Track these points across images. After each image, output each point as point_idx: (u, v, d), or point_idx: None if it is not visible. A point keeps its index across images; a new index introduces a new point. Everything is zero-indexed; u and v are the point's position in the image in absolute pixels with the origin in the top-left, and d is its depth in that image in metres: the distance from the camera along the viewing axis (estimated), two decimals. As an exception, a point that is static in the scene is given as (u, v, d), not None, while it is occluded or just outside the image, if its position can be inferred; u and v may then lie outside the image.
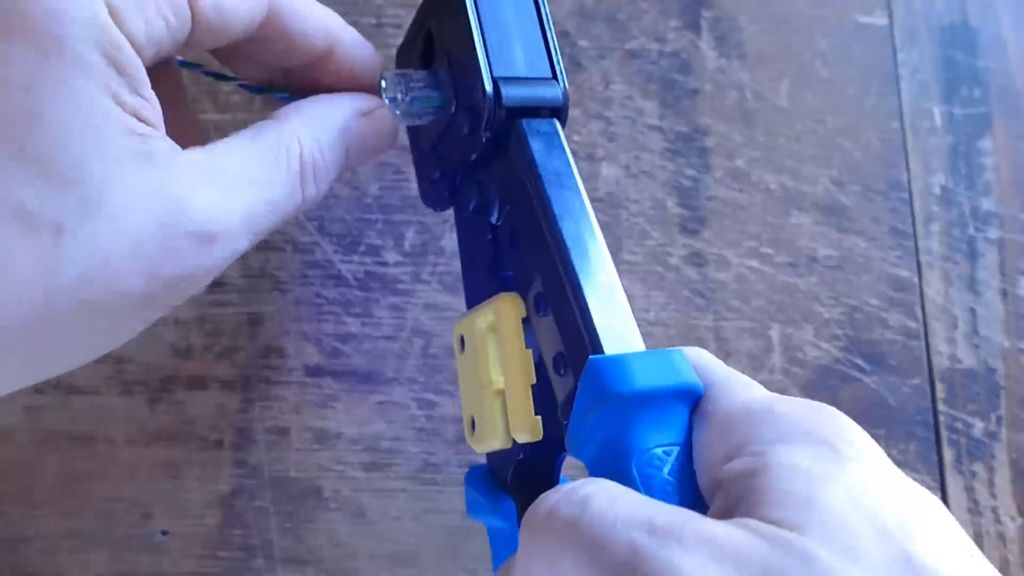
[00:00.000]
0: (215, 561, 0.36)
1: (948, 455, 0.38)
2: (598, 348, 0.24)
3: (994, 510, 0.38)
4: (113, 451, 0.37)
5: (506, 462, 0.28)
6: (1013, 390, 0.39)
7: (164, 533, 0.36)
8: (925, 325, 0.39)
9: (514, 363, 0.26)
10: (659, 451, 0.22)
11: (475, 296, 0.30)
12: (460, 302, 0.38)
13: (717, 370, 0.24)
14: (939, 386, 0.39)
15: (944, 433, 0.38)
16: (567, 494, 0.21)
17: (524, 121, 0.28)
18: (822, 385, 0.38)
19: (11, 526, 0.36)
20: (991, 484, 0.38)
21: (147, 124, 0.24)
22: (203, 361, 0.37)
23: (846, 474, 0.20)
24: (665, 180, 0.40)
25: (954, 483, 0.38)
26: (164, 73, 0.29)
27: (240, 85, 0.31)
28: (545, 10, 0.30)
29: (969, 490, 0.38)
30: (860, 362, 0.39)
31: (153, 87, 0.24)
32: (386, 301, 0.38)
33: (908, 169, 0.41)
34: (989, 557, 0.37)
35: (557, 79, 0.29)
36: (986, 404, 0.39)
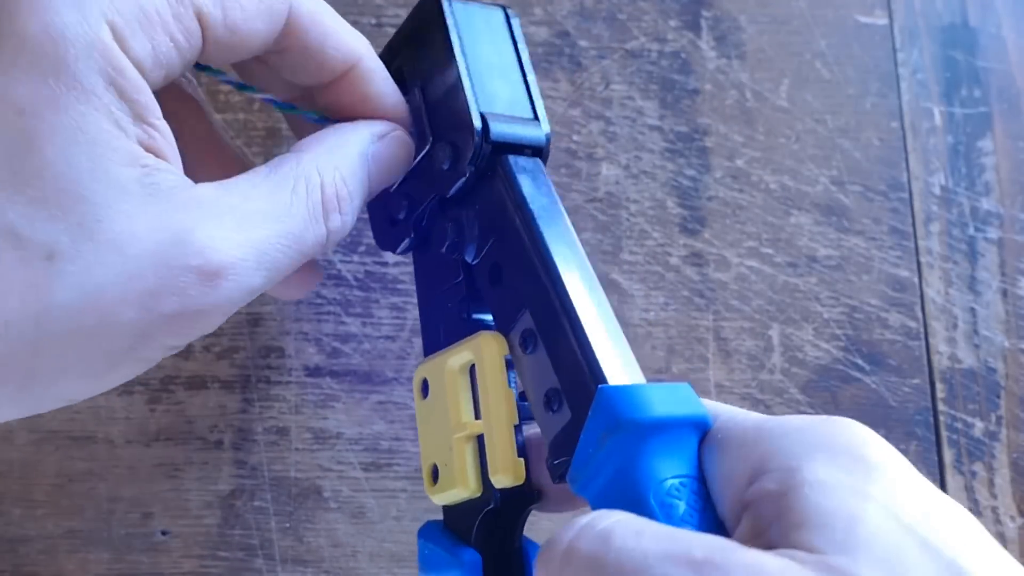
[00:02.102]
0: (215, 561, 0.36)
1: (948, 455, 0.38)
2: (602, 379, 0.23)
3: (994, 510, 0.38)
4: (113, 451, 0.37)
5: (471, 513, 0.27)
6: (1013, 390, 0.39)
7: (164, 533, 0.36)
8: (925, 325, 0.39)
9: (498, 403, 0.26)
10: (675, 482, 0.22)
11: (437, 340, 0.29)
12: (460, 302, 0.38)
13: (717, 404, 0.24)
14: (939, 386, 0.39)
15: (944, 433, 0.38)
16: (584, 528, 0.20)
17: (510, 156, 0.27)
18: (822, 385, 0.38)
19: (11, 526, 0.36)
20: (991, 484, 0.38)
21: (155, 154, 0.23)
22: (203, 361, 0.37)
23: (879, 487, 0.20)
24: (665, 180, 0.40)
25: (954, 483, 0.38)
26: (180, 97, 0.28)
27: (266, 99, 0.30)
28: (524, 52, 0.29)
29: (969, 490, 0.38)
30: (860, 362, 0.39)
31: (169, 111, 0.24)
32: (386, 301, 0.38)
33: (908, 169, 0.41)
34: (989, 557, 0.37)
35: (539, 120, 0.29)
36: (986, 404, 0.39)
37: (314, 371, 0.37)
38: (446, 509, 0.29)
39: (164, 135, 0.23)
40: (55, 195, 0.21)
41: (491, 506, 0.27)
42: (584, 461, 0.23)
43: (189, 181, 0.23)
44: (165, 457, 0.37)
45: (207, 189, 0.24)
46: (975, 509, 0.38)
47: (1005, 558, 0.19)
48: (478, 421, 0.27)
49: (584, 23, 0.41)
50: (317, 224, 0.25)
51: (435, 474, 0.28)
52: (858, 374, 0.39)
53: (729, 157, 0.40)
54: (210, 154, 0.29)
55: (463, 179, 0.28)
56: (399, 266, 0.38)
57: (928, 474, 0.38)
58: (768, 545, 0.19)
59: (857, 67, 0.42)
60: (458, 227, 0.28)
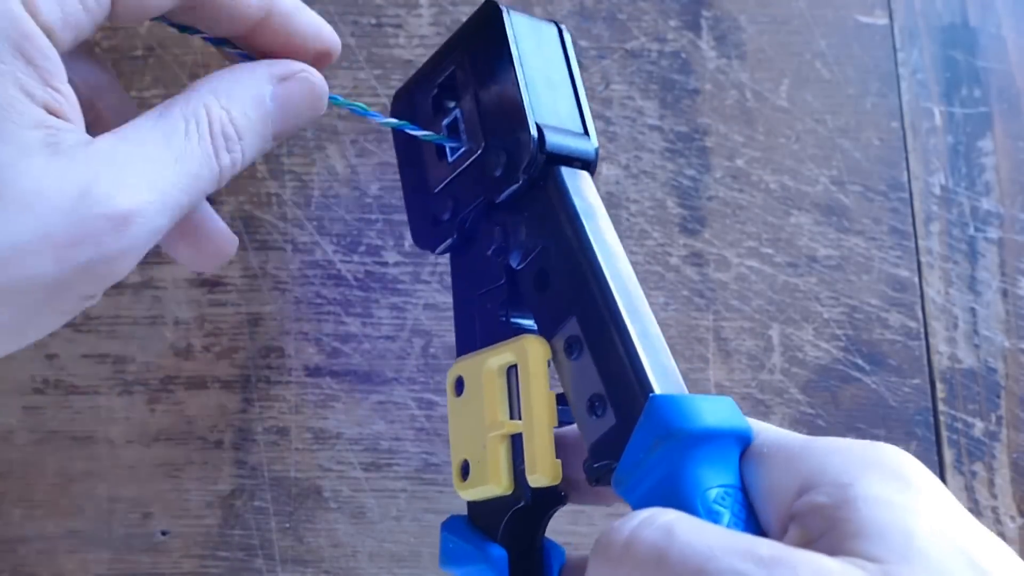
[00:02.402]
0: (215, 561, 0.36)
1: (948, 455, 0.38)
2: (649, 388, 0.24)
3: (994, 510, 0.38)
4: (113, 451, 0.37)
5: (500, 510, 0.28)
6: (1013, 390, 0.39)
7: (164, 533, 0.36)
8: (925, 325, 0.39)
9: (541, 405, 0.26)
10: (720, 491, 0.23)
11: (472, 340, 0.30)
12: (460, 302, 0.38)
13: (756, 421, 0.25)
14: (939, 386, 0.39)
15: (944, 433, 0.38)
16: (646, 520, 0.20)
17: (562, 168, 0.28)
18: (822, 385, 0.38)
19: (11, 526, 0.36)
20: (991, 484, 0.38)
21: (58, 116, 0.24)
22: (203, 361, 0.37)
23: (928, 507, 0.20)
24: (665, 180, 0.40)
25: (954, 483, 0.38)
26: (87, 54, 0.28)
27: (205, 39, 0.30)
28: (575, 67, 0.30)
29: (969, 490, 0.38)
30: (860, 362, 0.39)
31: (75, 71, 0.24)
32: (386, 301, 0.38)
33: (908, 169, 0.41)
34: (989, 557, 0.37)
35: (588, 135, 0.29)
36: (986, 404, 0.39)
37: (314, 371, 0.37)
38: (471, 505, 0.29)
39: (68, 98, 0.24)
40: None
41: (521, 504, 0.27)
42: (632, 466, 0.23)
43: (88, 137, 0.24)
44: (165, 457, 0.37)
45: (105, 141, 0.24)
46: (975, 509, 0.38)
47: None
48: (514, 421, 0.27)
49: (584, 23, 0.41)
50: (210, 163, 0.26)
51: (464, 470, 0.28)
52: (858, 374, 0.39)
53: (729, 157, 0.40)
54: (119, 108, 0.29)
55: (515, 186, 0.28)
56: (399, 266, 0.38)
57: (928, 474, 0.38)
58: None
59: (857, 67, 0.42)
60: (505, 232, 0.29)
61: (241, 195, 0.39)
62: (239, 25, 0.28)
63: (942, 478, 0.38)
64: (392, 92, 0.41)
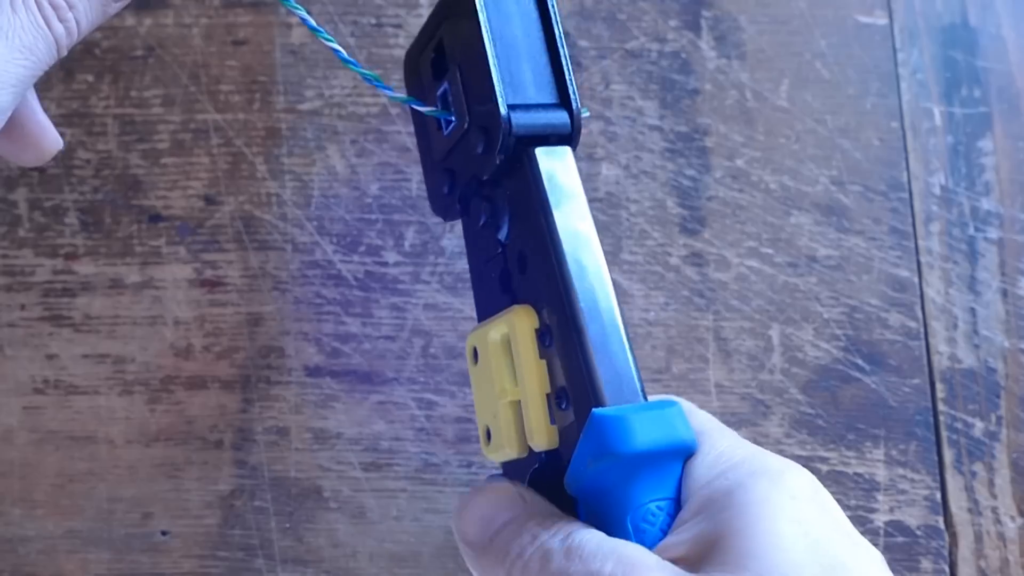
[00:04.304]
0: (215, 561, 0.36)
1: (948, 455, 0.38)
2: (598, 400, 0.24)
3: (994, 510, 0.38)
4: (113, 451, 0.37)
5: (522, 470, 0.28)
6: (1013, 390, 0.39)
7: (164, 533, 0.36)
8: (925, 325, 0.39)
9: (530, 374, 0.27)
10: (653, 506, 0.24)
11: (486, 307, 0.30)
12: (460, 302, 0.38)
13: (705, 421, 0.27)
14: (939, 386, 0.39)
15: (944, 433, 0.38)
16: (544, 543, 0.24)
17: (537, 150, 0.28)
18: (822, 385, 0.38)
19: (11, 526, 0.36)
20: (991, 484, 0.38)
21: None
22: (203, 361, 0.37)
23: (794, 510, 0.23)
24: (665, 180, 0.40)
25: (954, 483, 0.38)
26: None
27: None
28: (558, 28, 0.29)
29: (969, 490, 0.38)
30: (860, 362, 0.39)
31: None
32: (386, 301, 0.38)
33: (908, 169, 0.41)
34: (989, 557, 0.37)
35: (570, 103, 0.28)
36: (986, 404, 0.39)
37: (314, 371, 0.37)
38: (504, 465, 0.30)
39: None
40: None
41: (536, 465, 0.28)
42: (576, 474, 0.25)
43: None
44: (165, 457, 0.37)
45: None
46: (975, 509, 0.38)
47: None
48: (517, 388, 0.28)
49: (584, 23, 0.41)
50: (44, 32, 0.26)
51: (488, 435, 0.29)
52: (858, 374, 0.39)
53: (729, 157, 0.40)
54: None
55: (493, 166, 0.28)
56: (399, 266, 0.38)
57: (928, 474, 0.38)
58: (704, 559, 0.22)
59: (857, 67, 0.42)
60: (492, 207, 0.29)
61: (241, 195, 0.39)
62: None
63: (942, 478, 0.38)
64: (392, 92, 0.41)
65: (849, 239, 0.40)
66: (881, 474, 0.38)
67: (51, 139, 0.30)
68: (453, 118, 0.30)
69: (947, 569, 0.37)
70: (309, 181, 0.39)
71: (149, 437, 0.37)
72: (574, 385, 0.25)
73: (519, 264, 0.28)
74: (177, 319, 0.38)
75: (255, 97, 0.40)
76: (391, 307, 0.38)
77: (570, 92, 0.28)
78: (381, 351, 0.38)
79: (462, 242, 0.39)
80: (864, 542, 0.23)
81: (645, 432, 0.24)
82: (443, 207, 0.32)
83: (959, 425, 0.38)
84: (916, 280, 0.40)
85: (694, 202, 0.40)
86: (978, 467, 0.38)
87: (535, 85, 0.28)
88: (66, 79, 0.40)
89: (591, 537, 0.23)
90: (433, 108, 0.31)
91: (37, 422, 0.37)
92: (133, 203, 0.39)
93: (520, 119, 0.27)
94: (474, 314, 0.38)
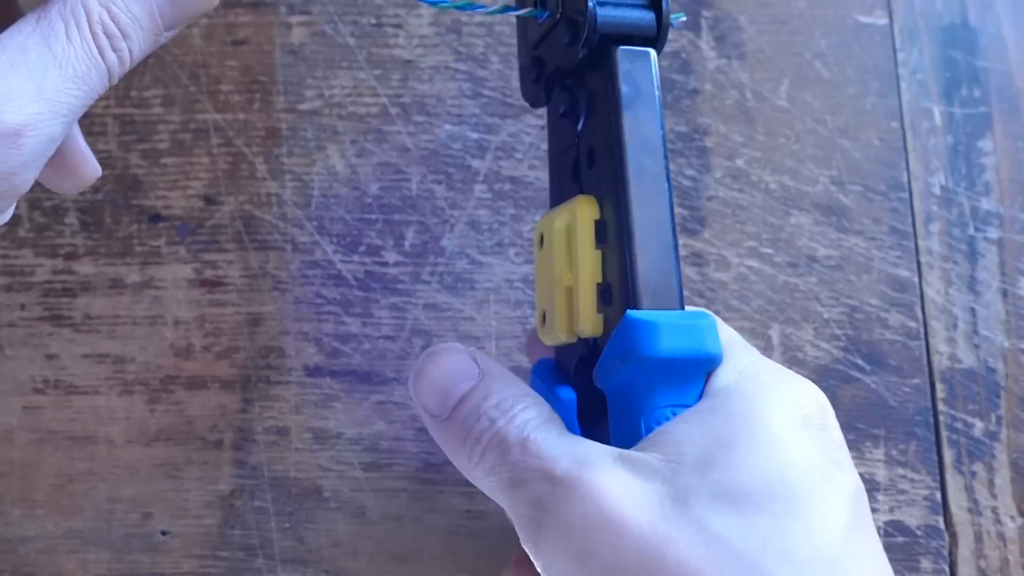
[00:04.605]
0: (215, 561, 0.36)
1: (948, 455, 0.38)
2: (637, 301, 0.25)
3: (994, 510, 0.38)
4: (113, 451, 0.37)
5: (571, 356, 0.29)
6: (1013, 390, 0.39)
7: (164, 533, 0.36)
8: (925, 325, 0.39)
9: (584, 261, 0.27)
10: (668, 411, 0.25)
11: (558, 195, 0.31)
12: (460, 302, 0.38)
13: (734, 340, 0.27)
14: (939, 386, 0.39)
15: (944, 433, 0.38)
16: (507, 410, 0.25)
17: (619, 48, 0.28)
18: (822, 385, 0.38)
19: (11, 526, 0.36)
20: (991, 484, 0.38)
21: None
22: (203, 361, 0.37)
23: (784, 424, 0.24)
24: (665, 180, 0.40)
25: (954, 483, 0.38)
26: None
27: None
28: None
29: (969, 490, 0.38)
30: (860, 362, 0.39)
31: None
32: (386, 301, 0.38)
33: (908, 169, 0.41)
34: (989, 557, 0.37)
35: (660, 4, 0.28)
36: (986, 404, 0.39)
37: (314, 371, 0.37)
38: (557, 349, 0.31)
39: None
40: None
41: (585, 352, 0.28)
42: (604, 370, 0.26)
43: None
44: (165, 457, 0.37)
45: None
46: (975, 509, 0.38)
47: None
48: (571, 276, 0.29)
49: (584, 23, 0.41)
50: (96, 63, 0.26)
51: (544, 318, 0.30)
52: (858, 374, 0.39)
53: (729, 157, 0.40)
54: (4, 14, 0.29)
55: (576, 60, 0.28)
56: (399, 266, 0.38)
57: (928, 474, 0.38)
58: None
59: (857, 67, 0.42)
60: (572, 98, 0.30)
61: (241, 195, 0.39)
62: None
63: (942, 478, 0.38)
64: (392, 92, 0.41)
65: (849, 239, 0.40)
66: (881, 474, 0.38)
67: (91, 168, 0.30)
68: (545, 15, 0.30)
69: (947, 569, 0.37)
70: (309, 181, 0.39)
71: (149, 437, 0.37)
72: (618, 283, 0.26)
73: (588, 157, 0.28)
74: (177, 319, 0.38)
75: (255, 97, 0.40)
76: (391, 307, 0.38)
77: None
78: (381, 351, 0.38)
79: (462, 242, 0.39)
80: (849, 468, 0.24)
81: (673, 340, 0.24)
82: (531, 94, 0.33)
83: (959, 425, 0.38)
84: (916, 280, 0.40)
85: (694, 202, 0.40)
86: (978, 467, 0.38)
87: None
88: (66, 79, 0.40)
89: (547, 433, 0.24)
90: (529, 9, 0.31)
91: (37, 422, 0.37)
92: (133, 203, 0.39)
93: (606, 14, 0.28)
94: (474, 313, 0.38)
